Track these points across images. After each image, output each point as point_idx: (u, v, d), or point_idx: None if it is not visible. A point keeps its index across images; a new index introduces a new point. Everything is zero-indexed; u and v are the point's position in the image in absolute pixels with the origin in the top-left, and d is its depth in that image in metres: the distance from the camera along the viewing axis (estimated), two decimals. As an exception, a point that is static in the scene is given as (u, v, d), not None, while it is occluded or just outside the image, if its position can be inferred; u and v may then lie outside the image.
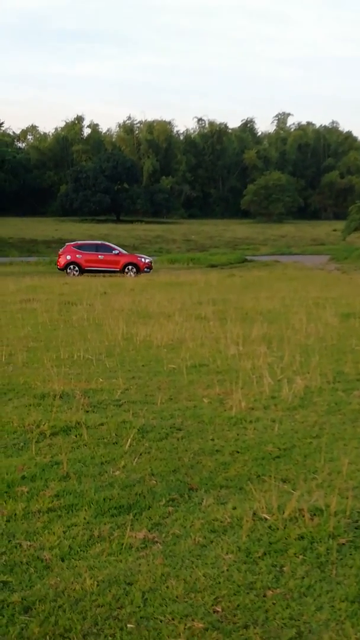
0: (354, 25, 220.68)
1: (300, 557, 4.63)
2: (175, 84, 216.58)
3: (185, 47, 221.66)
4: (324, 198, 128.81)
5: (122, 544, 4.88)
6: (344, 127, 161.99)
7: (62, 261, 41.95)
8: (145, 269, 41.05)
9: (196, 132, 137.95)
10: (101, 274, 39.87)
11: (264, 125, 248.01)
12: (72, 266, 41.29)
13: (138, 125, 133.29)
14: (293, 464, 6.43)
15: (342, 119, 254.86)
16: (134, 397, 9.00)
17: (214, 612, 4.03)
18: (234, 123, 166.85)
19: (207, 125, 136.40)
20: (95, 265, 40.92)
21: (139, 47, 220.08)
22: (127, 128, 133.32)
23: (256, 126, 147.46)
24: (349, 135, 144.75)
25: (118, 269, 40.66)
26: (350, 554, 4.65)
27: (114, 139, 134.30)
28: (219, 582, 4.34)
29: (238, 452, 6.82)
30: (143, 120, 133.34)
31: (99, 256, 41.36)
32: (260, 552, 4.70)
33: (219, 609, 4.05)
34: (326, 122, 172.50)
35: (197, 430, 7.56)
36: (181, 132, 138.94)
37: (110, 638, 3.82)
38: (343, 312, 16.75)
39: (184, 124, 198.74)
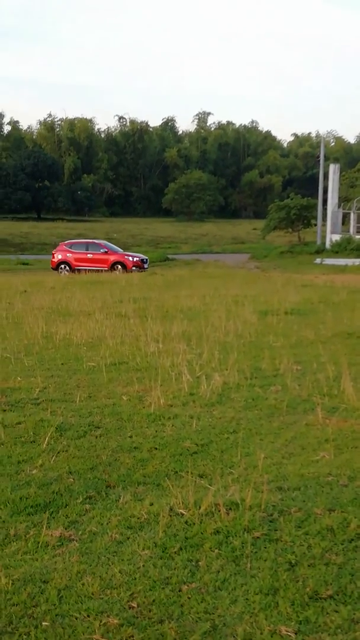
0: (271, 26, 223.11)
1: (216, 551, 4.67)
2: (97, 82, 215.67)
3: (107, 45, 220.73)
4: (244, 197, 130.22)
5: (38, 543, 4.86)
6: (263, 126, 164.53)
7: (54, 260, 41.42)
8: (134, 268, 39.93)
9: (117, 130, 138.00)
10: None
11: (185, 124, 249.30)
12: (62, 265, 40.71)
13: (59, 122, 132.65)
14: (210, 460, 6.49)
15: (261, 118, 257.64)
16: (53, 395, 8.94)
17: (130, 607, 4.04)
18: (155, 122, 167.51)
19: (128, 124, 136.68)
20: (84, 265, 39.98)
21: (60, 45, 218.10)
22: (48, 126, 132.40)
23: (177, 125, 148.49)
24: (268, 135, 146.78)
25: (106, 268, 39.71)
26: (265, 547, 4.71)
27: (34, 137, 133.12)
28: (135, 578, 4.35)
29: (156, 448, 6.84)
30: (64, 117, 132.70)
31: (88, 255, 40.59)
32: (177, 547, 4.73)
33: (135, 605, 4.07)
34: (246, 121, 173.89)
35: (116, 427, 7.56)
36: (102, 130, 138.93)
37: (24, 636, 3.80)
38: (261, 310, 16.93)
39: (105, 122, 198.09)
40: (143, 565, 4.50)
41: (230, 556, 4.60)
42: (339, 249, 54.17)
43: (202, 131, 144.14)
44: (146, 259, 42.75)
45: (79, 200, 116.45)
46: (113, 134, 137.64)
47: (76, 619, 3.95)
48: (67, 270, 40.12)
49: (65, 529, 5.08)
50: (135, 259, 41.17)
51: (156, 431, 7.41)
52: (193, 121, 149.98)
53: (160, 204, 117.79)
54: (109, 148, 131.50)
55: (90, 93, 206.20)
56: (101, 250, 40.96)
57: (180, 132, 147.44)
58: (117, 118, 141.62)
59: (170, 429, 7.43)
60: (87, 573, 4.43)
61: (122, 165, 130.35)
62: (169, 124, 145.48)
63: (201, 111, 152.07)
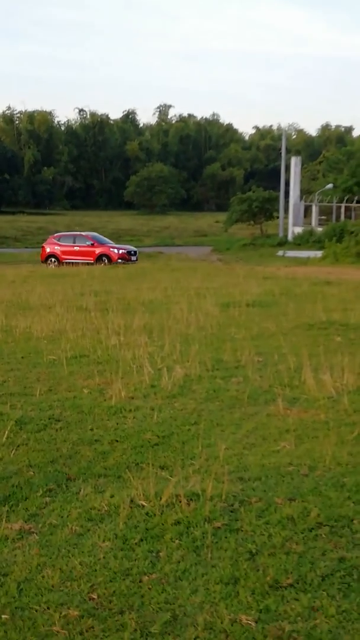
0: (232, 19, 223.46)
1: (176, 541, 4.68)
2: (56, 75, 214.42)
3: (67, 38, 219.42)
4: (206, 190, 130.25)
5: (-2, 536, 4.82)
6: (224, 119, 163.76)
7: (43, 253, 41.21)
8: (119, 260, 39.23)
9: (77, 123, 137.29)
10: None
11: (146, 117, 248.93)
12: (51, 258, 40.41)
13: (18, 115, 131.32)
14: (171, 451, 6.49)
15: (223, 111, 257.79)
16: (12, 389, 8.88)
17: (90, 599, 4.03)
18: (115, 114, 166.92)
19: (88, 116, 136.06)
20: (71, 257, 39.49)
21: (18, 37, 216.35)
22: (7, 118, 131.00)
23: (138, 117, 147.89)
24: (229, 128, 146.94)
25: (92, 260, 39.10)
26: (225, 537, 4.72)
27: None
28: (95, 570, 4.34)
29: (117, 441, 6.83)
30: (23, 110, 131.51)
31: (75, 247, 40.20)
32: (137, 538, 4.72)
33: (95, 596, 4.06)
34: (207, 114, 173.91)
35: (77, 420, 7.54)
36: (62, 122, 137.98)
37: (-17, 630, 3.77)
38: (223, 302, 16.96)
39: (65, 114, 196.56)
40: (103, 557, 4.49)
41: (190, 546, 4.61)
42: (301, 242, 54.53)
43: (164, 124, 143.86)
44: (134, 251, 42.09)
45: (39, 193, 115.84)
46: (73, 126, 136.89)
47: (36, 611, 3.93)
48: (55, 264, 39.71)
49: (25, 521, 5.05)
50: (121, 251, 40.61)
51: (117, 423, 7.39)
52: (154, 114, 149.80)
53: (122, 197, 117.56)
54: (70, 141, 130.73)
55: (49, 85, 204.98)
56: (87, 243, 40.51)
57: (141, 124, 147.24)
58: (77, 111, 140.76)
59: (131, 421, 7.42)
60: (47, 565, 4.41)
61: (82, 158, 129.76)
62: (130, 116, 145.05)
63: (162, 104, 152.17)
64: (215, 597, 4.03)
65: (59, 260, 39.89)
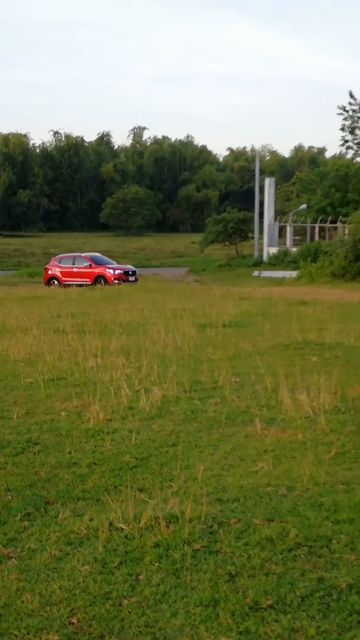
0: (206, 42, 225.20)
1: (156, 564, 4.67)
2: (31, 97, 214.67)
3: (40, 60, 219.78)
4: (181, 211, 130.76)
5: (-24, 562, 4.80)
6: (198, 141, 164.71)
7: (46, 275, 41.04)
8: (116, 281, 38.83)
9: (53, 145, 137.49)
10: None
11: (120, 139, 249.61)
12: (53, 280, 40.19)
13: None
14: (150, 473, 6.49)
15: (197, 133, 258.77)
16: (-11, 412, 8.85)
17: (70, 623, 4.02)
18: (90, 136, 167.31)
19: (63, 139, 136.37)
20: (70, 279, 39.27)
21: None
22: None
23: (112, 140, 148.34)
24: (203, 149, 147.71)
25: (90, 282, 38.82)
26: (205, 559, 4.72)
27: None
28: (75, 594, 4.33)
29: (95, 463, 6.82)
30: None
31: (74, 269, 39.98)
32: (116, 561, 4.72)
33: (75, 621, 4.04)
34: (181, 136, 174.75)
35: (54, 443, 7.52)
36: (37, 145, 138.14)
37: None
38: (200, 323, 17.00)
39: (40, 137, 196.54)
40: (83, 581, 4.48)
41: (170, 569, 4.61)
42: (276, 262, 54.69)
43: (138, 146, 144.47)
44: (133, 271, 41.46)
45: (15, 216, 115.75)
46: (48, 149, 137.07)
47: (16, 636, 3.91)
48: (56, 285, 39.29)
49: (4, 546, 5.03)
50: (117, 272, 40.09)
51: (95, 446, 7.39)
52: (129, 136, 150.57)
53: (98, 219, 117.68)
54: (45, 163, 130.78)
55: (24, 108, 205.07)
56: (85, 264, 40.24)
57: (116, 146, 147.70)
58: (52, 133, 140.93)
59: (110, 444, 7.41)
60: (26, 590, 4.40)
61: (58, 180, 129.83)
62: (105, 138, 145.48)
63: (136, 126, 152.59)
64: (195, 619, 4.03)
65: (60, 282, 39.68)
